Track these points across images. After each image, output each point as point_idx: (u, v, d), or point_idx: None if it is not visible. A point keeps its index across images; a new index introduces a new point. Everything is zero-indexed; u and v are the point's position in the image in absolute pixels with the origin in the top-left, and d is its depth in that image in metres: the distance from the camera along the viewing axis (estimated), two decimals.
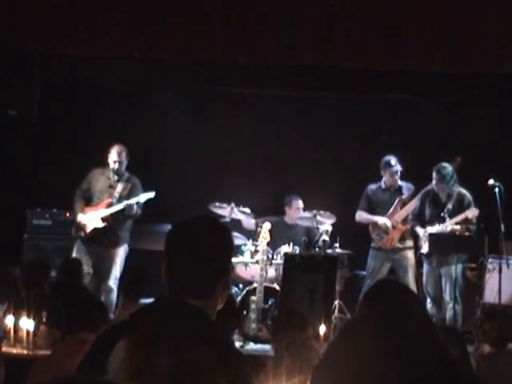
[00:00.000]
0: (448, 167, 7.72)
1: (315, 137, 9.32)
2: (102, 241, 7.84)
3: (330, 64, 7.55)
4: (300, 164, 9.23)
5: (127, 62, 7.88)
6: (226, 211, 8.22)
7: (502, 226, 7.45)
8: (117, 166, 7.92)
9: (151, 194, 7.86)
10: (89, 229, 7.82)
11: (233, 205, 8.23)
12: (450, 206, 7.75)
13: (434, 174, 7.78)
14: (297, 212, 8.57)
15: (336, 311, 7.68)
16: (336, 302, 7.75)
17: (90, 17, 7.41)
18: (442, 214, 7.70)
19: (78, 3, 7.46)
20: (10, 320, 5.35)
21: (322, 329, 6.31)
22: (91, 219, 7.82)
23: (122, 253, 7.93)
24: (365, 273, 8.27)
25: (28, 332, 5.23)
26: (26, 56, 7.81)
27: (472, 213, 7.62)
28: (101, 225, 7.81)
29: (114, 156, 7.93)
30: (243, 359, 2.03)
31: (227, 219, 8.17)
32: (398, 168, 8.03)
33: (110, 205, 7.86)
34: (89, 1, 7.49)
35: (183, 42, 7.44)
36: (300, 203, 8.61)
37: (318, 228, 8.26)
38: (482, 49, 7.36)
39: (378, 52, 7.43)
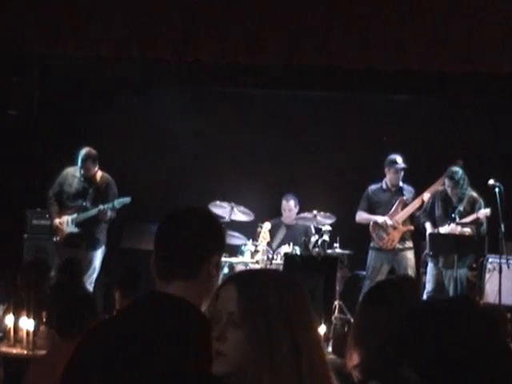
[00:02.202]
0: (459, 171, 7.71)
1: (315, 137, 9.31)
2: (79, 245, 7.78)
3: (330, 64, 7.56)
4: (300, 164, 9.22)
5: (127, 61, 7.88)
6: (226, 211, 8.21)
7: (502, 226, 7.44)
8: (88, 169, 7.83)
9: (126, 200, 7.76)
10: (64, 233, 7.81)
11: (233, 204, 8.23)
12: (461, 208, 7.75)
13: (447, 181, 7.78)
14: (290, 213, 8.55)
15: (336, 311, 7.68)
16: (336, 302, 7.75)
17: (89, 17, 7.42)
18: (453, 215, 7.70)
19: (78, 3, 7.46)
20: (9, 320, 5.35)
21: (322, 329, 6.31)
22: (66, 224, 7.80)
23: (100, 256, 7.90)
24: (365, 273, 8.26)
25: (28, 332, 5.23)
26: (25, 56, 7.81)
27: (483, 214, 7.62)
28: (76, 229, 7.80)
29: (84, 159, 7.82)
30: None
31: (227, 219, 8.16)
32: (404, 166, 8.02)
33: (84, 209, 7.81)
34: (89, 1, 7.49)
35: (183, 42, 7.44)
36: (289, 204, 8.55)
37: (316, 228, 8.26)
38: (482, 49, 7.36)
39: (378, 52, 7.43)
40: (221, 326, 1.80)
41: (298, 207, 8.61)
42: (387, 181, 8.14)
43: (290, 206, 8.55)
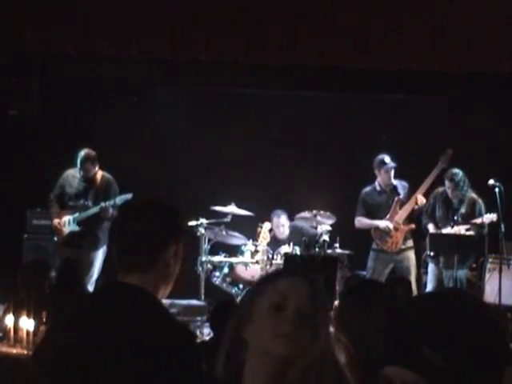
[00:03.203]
0: (459, 173, 7.68)
1: (315, 137, 9.31)
2: (81, 244, 7.78)
3: (330, 64, 7.56)
4: (300, 164, 9.22)
5: (127, 61, 7.87)
6: (227, 211, 8.21)
7: (502, 225, 7.44)
8: (87, 170, 7.84)
9: (128, 196, 7.76)
10: (65, 233, 7.81)
11: (233, 204, 8.22)
12: (462, 210, 7.74)
13: (447, 182, 7.74)
14: (283, 228, 8.41)
15: None
16: (336, 302, 7.74)
17: (89, 17, 7.42)
18: (456, 217, 7.68)
19: (78, 3, 7.46)
20: (9, 320, 5.34)
21: None
22: (68, 223, 7.80)
23: (101, 256, 7.88)
24: (365, 273, 8.24)
25: (28, 332, 5.22)
26: (26, 56, 7.81)
27: (489, 219, 7.60)
28: (77, 228, 7.80)
29: (83, 161, 7.83)
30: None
31: (227, 219, 8.16)
32: (393, 164, 7.98)
33: (85, 208, 7.83)
34: (89, 1, 7.49)
35: (183, 42, 7.44)
36: (281, 220, 8.38)
37: (316, 227, 8.25)
38: (482, 49, 7.37)
39: (378, 52, 7.44)
40: (288, 312, 1.82)
41: (288, 220, 8.45)
42: (380, 182, 8.07)
43: (281, 222, 8.37)
